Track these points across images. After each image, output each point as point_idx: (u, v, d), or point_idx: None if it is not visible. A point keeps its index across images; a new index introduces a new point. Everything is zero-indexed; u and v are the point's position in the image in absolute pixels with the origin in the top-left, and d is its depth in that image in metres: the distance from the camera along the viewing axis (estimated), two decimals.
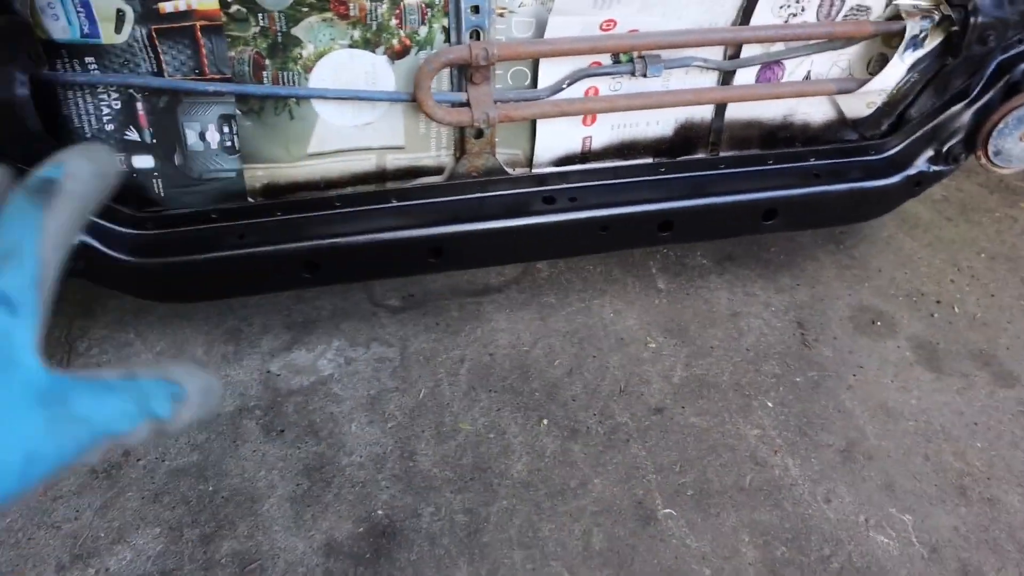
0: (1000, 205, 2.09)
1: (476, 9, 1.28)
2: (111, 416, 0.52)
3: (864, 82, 1.46)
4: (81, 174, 0.58)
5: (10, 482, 0.48)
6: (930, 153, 1.57)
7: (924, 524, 1.41)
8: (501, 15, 1.31)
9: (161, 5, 1.21)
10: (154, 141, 1.33)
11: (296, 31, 1.26)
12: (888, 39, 1.47)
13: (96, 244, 1.32)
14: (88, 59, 1.24)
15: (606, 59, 1.37)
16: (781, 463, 1.50)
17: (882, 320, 1.76)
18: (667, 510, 1.42)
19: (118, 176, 0.59)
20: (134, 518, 1.40)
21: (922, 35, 1.43)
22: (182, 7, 1.22)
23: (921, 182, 1.58)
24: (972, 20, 1.42)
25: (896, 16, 1.43)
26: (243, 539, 1.37)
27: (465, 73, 1.32)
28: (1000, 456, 1.52)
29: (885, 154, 1.56)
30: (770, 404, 1.59)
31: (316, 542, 1.37)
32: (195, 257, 1.35)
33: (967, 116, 1.54)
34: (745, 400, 1.59)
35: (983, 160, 1.55)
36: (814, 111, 1.54)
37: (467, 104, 1.31)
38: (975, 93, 1.52)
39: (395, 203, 1.40)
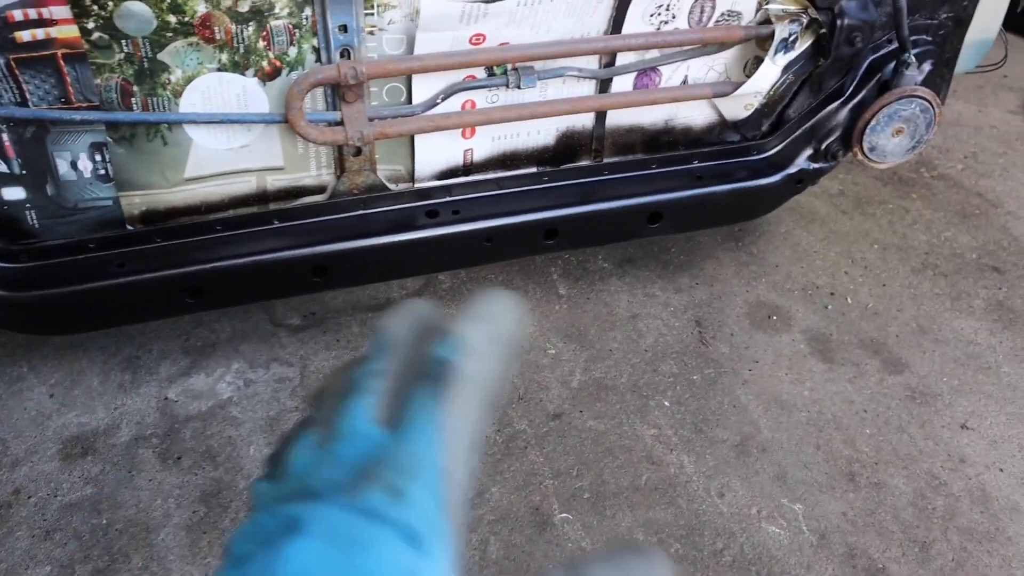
0: (893, 197, 2.15)
1: (344, 28, 1.28)
2: None
3: (739, 85, 1.49)
4: (479, 346, 0.48)
5: None
6: (809, 151, 1.61)
7: (814, 512, 1.45)
8: (371, 33, 1.31)
9: (17, 34, 1.19)
10: (24, 172, 1.30)
11: (162, 56, 1.25)
12: (761, 43, 1.51)
13: None
14: None
15: (480, 72, 1.39)
16: (676, 461, 1.52)
17: (778, 314, 1.80)
18: (563, 515, 1.44)
19: (519, 330, 0.50)
20: (23, 558, 1.37)
21: (792, 38, 1.47)
22: (40, 35, 1.20)
23: (803, 180, 1.62)
24: (839, 23, 1.46)
25: (766, 20, 1.47)
26: (138, 571, 1.36)
27: (338, 92, 1.32)
28: (888, 441, 1.56)
29: (766, 154, 1.60)
30: (667, 403, 1.62)
31: (212, 569, 1.36)
32: (73, 288, 1.33)
33: (843, 114, 1.58)
34: (643, 401, 1.62)
35: (860, 156, 1.59)
36: (695, 115, 1.58)
37: (341, 123, 1.31)
38: (849, 92, 1.57)
39: (277, 224, 1.40)
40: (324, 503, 0.44)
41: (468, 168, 1.48)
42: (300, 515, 0.44)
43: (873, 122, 1.55)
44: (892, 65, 1.56)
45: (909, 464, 1.53)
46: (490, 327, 0.49)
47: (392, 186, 1.45)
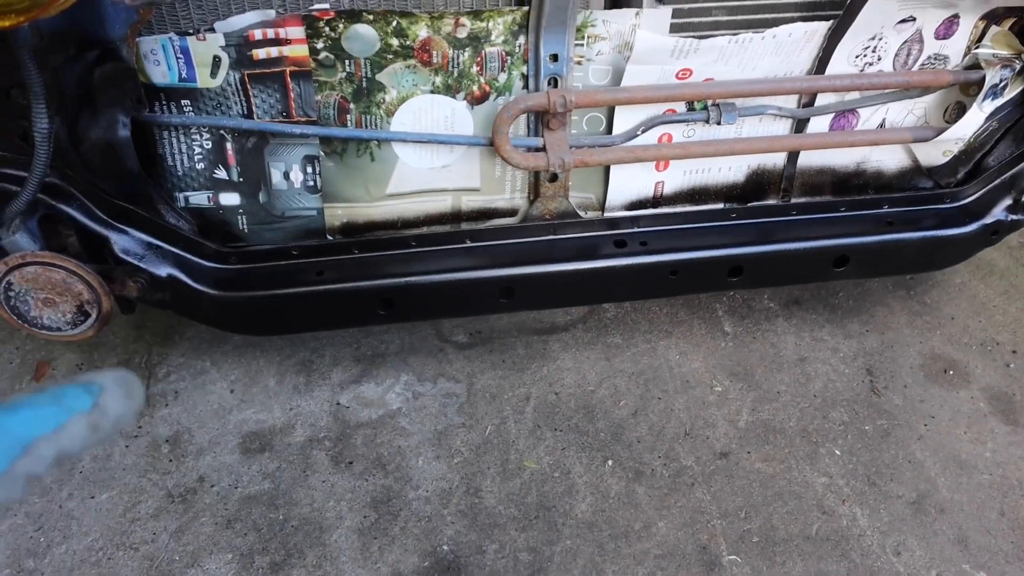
0: None
1: (555, 57, 1.31)
2: (30, 422, 0.57)
3: (941, 131, 1.45)
4: (113, 406, 0.64)
5: None
6: (1008, 202, 1.55)
7: None
8: (579, 63, 1.34)
9: (255, 52, 1.26)
10: (241, 179, 1.38)
11: (380, 77, 1.31)
12: (966, 87, 1.46)
13: (182, 277, 1.37)
14: (184, 102, 1.31)
15: (681, 106, 1.39)
16: (849, 513, 1.48)
17: (955, 369, 1.73)
18: (732, 556, 1.41)
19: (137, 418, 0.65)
20: (207, 543, 1.44)
21: (1002, 84, 1.42)
22: (274, 54, 1.27)
23: (998, 231, 1.56)
24: None
25: (975, 65, 1.43)
26: (312, 568, 1.40)
27: (542, 119, 1.35)
28: None
29: (961, 202, 1.55)
30: (838, 452, 1.57)
31: (382, 574, 1.39)
32: (276, 292, 1.40)
33: None
34: (812, 447, 1.58)
35: None
36: (888, 158, 1.54)
37: (543, 149, 1.34)
38: None
39: (469, 244, 1.43)
40: None
41: (657, 200, 1.49)
42: None
43: None
44: None
45: None
46: (128, 398, 0.64)
47: (582, 213, 1.47)
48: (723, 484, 1.52)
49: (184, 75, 1.28)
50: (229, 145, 1.36)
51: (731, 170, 1.49)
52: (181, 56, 1.26)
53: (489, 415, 1.64)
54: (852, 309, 1.85)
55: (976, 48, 1.42)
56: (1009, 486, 1.51)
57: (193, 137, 1.35)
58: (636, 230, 1.46)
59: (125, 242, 1.35)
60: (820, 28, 1.33)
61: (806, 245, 1.48)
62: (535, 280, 1.43)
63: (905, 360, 1.75)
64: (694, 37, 1.30)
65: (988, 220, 1.55)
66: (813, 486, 1.52)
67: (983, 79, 1.41)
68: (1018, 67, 1.41)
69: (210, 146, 1.35)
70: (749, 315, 1.84)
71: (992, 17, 1.40)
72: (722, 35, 1.31)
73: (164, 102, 1.30)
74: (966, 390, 1.69)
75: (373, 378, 1.72)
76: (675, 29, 1.33)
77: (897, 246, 1.52)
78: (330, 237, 1.45)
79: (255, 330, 1.54)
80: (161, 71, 1.27)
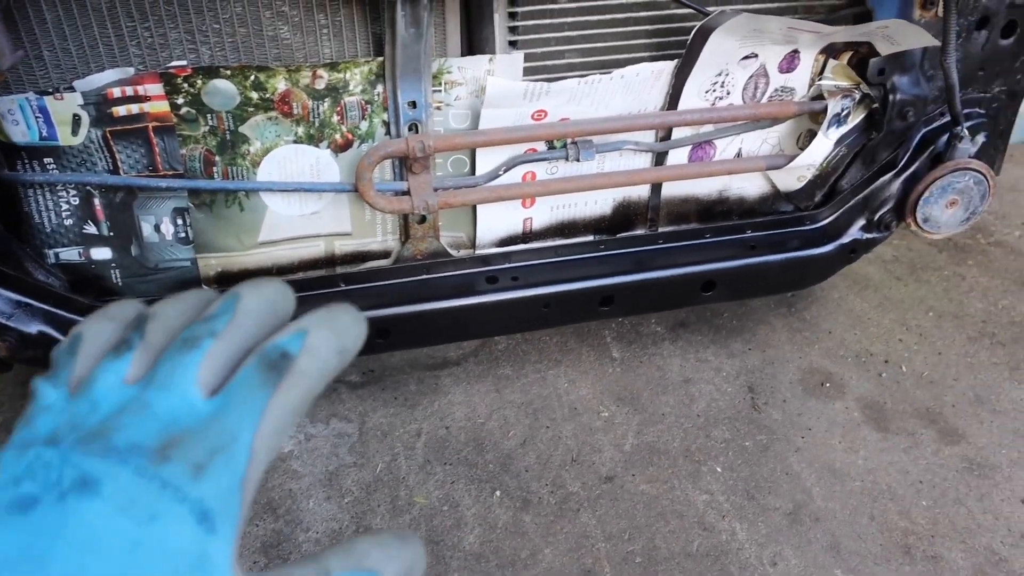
0: (948, 263, 2.15)
1: (413, 104, 1.35)
2: None
3: (792, 158, 1.53)
4: (322, 350, 0.50)
5: None
6: (862, 222, 1.63)
7: None
8: (438, 108, 1.39)
9: (115, 109, 1.28)
10: (111, 234, 1.39)
11: (243, 129, 1.34)
12: (814, 117, 1.54)
13: (53, 333, 1.37)
14: (47, 159, 1.32)
15: (541, 145, 1.45)
16: (728, 528, 1.53)
17: (831, 382, 1.81)
18: None
19: (358, 348, 0.52)
20: None
21: (844, 113, 1.51)
22: (135, 110, 1.29)
23: (856, 249, 1.64)
24: (891, 98, 1.50)
25: (819, 96, 1.51)
26: None
27: (405, 163, 1.39)
28: (944, 513, 1.55)
29: (819, 224, 1.63)
30: (719, 469, 1.63)
31: None
32: None
33: (895, 186, 1.61)
34: (695, 466, 1.63)
35: (913, 227, 1.61)
36: (749, 185, 1.61)
37: (408, 193, 1.38)
38: (902, 164, 1.59)
39: (343, 287, 1.46)
40: (123, 464, 0.44)
41: (527, 236, 1.54)
42: (96, 472, 0.44)
43: (926, 194, 1.57)
44: (945, 138, 1.58)
45: (967, 538, 1.51)
46: (335, 336, 0.51)
47: (454, 252, 1.51)
48: (608, 507, 1.56)
49: (44, 133, 1.29)
50: (97, 200, 1.37)
51: (598, 203, 1.54)
52: (40, 115, 1.27)
53: (380, 453, 1.66)
54: (736, 329, 1.93)
55: (819, 80, 1.50)
56: (879, 491, 1.58)
57: (59, 194, 1.35)
58: (507, 266, 1.50)
59: None
60: (666, 67, 1.40)
61: (673, 272, 1.54)
62: (410, 319, 1.46)
63: (785, 375, 1.82)
64: (544, 80, 1.36)
65: (845, 240, 1.63)
66: (695, 504, 1.57)
67: (826, 108, 1.49)
68: (858, 96, 1.50)
69: (77, 202, 1.36)
70: (637, 340, 1.90)
71: (830, 51, 1.49)
72: (572, 77, 1.37)
73: (26, 160, 1.31)
74: (841, 401, 1.77)
75: None
76: (529, 72, 1.39)
77: (761, 269, 1.59)
78: (205, 287, 1.46)
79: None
80: (21, 130, 1.28)
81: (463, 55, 1.38)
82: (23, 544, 0.41)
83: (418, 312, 1.46)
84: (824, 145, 1.52)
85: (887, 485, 1.60)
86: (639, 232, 1.59)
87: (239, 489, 0.41)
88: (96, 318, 0.52)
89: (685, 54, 1.38)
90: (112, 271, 1.43)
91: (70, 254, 1.40)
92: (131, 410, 0.46)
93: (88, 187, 1.35)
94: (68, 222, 1.37)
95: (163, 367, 0.47)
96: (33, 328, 1.36)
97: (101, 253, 1.41)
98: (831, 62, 1.50)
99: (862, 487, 1.60)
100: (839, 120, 1.51)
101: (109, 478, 0.43)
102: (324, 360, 0.49)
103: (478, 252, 1.52)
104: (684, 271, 1.55)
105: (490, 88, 1.32)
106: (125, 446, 0.44)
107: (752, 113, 1.46)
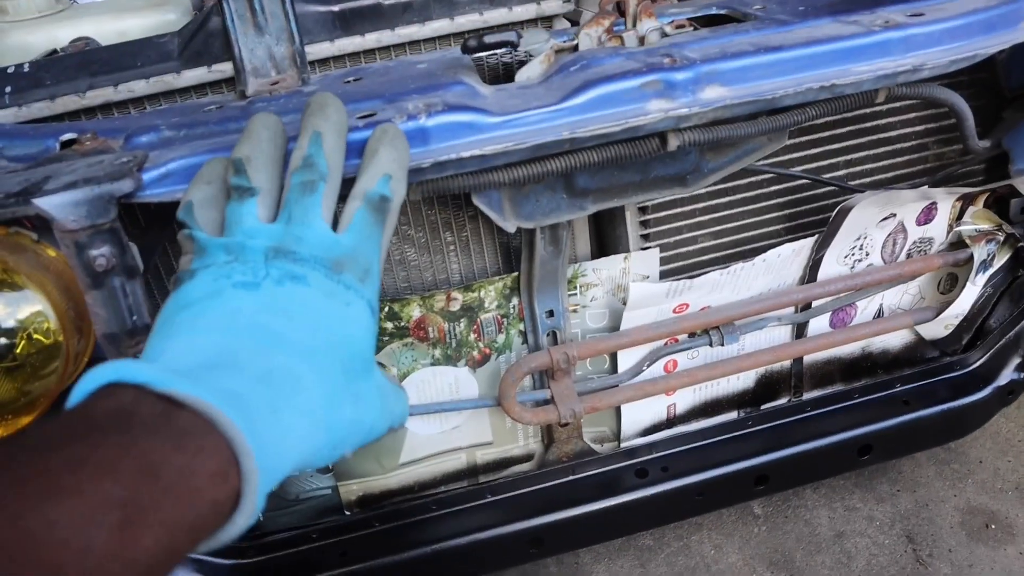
0: None
1: (551, 313, 1.30)
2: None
3: (939, 310, 1.45)
4: (401, 189, 0.74)
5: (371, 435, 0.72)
6: (1017, 360, 1.54)
7: None
8: (574, 311, 1.34)
9: None
10: None
11: (380, 358, 1.30)
12: (955, 263, 1.47)
13: None
14: None
15: (683, 335, 1.39)
16: None
17: (995, 522, 1.70)
18: None
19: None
20: None
21: (990, 257, 1.43)
22: None
23: (1014, 390, 1.55)
24: None
25: (960, 242, 1.44)
26: None
27: (547, 372, 1.33)
28: None
29: (971, 368, 1.54)
30: None
31: None
32: None
33: None
34: None
35: None
36: (891, 337, 1.53)
37: (552, 401, 1.32)
38: None
39: (490, 498, 1.40)
40: (315, 269, 0.66)
41: (672, 421, 1.47)
42: (299, 272, 0.66)
43: None
44: None
45: None
46: (405, 171, 0.75)
47: (599, 448, 1.44)
48: None
49: None
50: None
51: (739, 379, 1.47)
52: None
53: None
54: (878, 469, 1.82)
55: (958, 226, 1.43)
56: None
57: None
58: (655, 455, 1.44)
59: None
60: (806, 244, 1.34)
61: (826, 441, 1.46)
62: (561, 525, 1.39)
63: (943, 519, 1.71)
64: (685, 275, 1.31)
65: (1002, 382, 1.54)
66: None
67: (971, 256, 1.41)
68: (1001, 238, 1.43)
69: None
70: (778, 492, 1.81)
71: (967, 197, 1.42)
72: (712, 268, 1.31)
73: None
74: (1012, 545, 1.65)
75: None
76: (664, 262, 1.34)
77: (917, 424, 1.50)
78: (348, 512, 1.42)
79: None
80: None
81: (594, 256, 1.33)
82: (264, 304, 0.64)
83: (570, 517, 1.39)
84: (971, 293, 1.44)
85: None
86: (785, 402, 1.51)
87: (377, 296, 0.70)
88: (195, 185, 0.73)
89: (826, 231, 1.32)
90: None
91: None
92: (291, 239, 0.67)
93: None
94: None
95: (296, 208, 0.68)
96: None
97: None
98: (969, 208, 1.43)
99: None
100: (985, 265, 1.43)
101: (311, 276, 0.66)
102: (403, 195, 0.75)
103: (624, 445, 1.45)
104: (838, 438, 1.46)
105: (633, 292, 1.27)
106: (310, 258, 0.67)
107: (897, 273, 1.39)
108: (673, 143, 1.03)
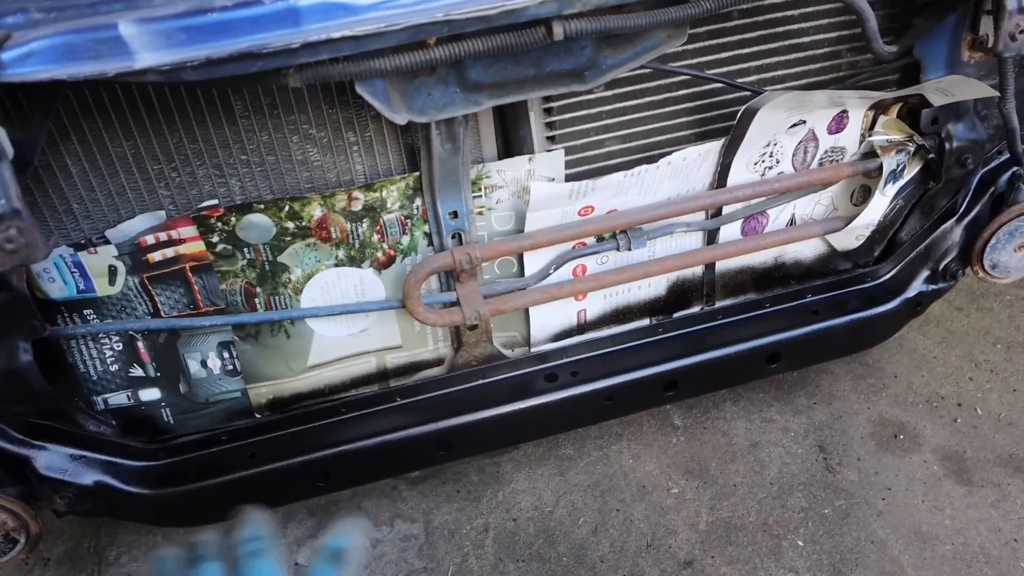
0: (1010, 287, 2.06)
1: (454, 214, 1.30)
2: None
3: (850, 219, 1.46)
4: (359, 546, 0.82)
5: None
6: (926, 273, 1.57)
7: None
8: (480, 213, 1.33)
9: (150, 256, 1.24)
10: (158, 374, 1.36)
11: (282, 259, 1.29)
12: (868, 173, 1.47)
13: (111, 482, 1.34)
14: (87, 311, 1.28)
15: (590, 238, 1.39)
16: None
17: (904, 433, 1.74)
18: None
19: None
20: None
21: (900, 168, 1.44)
22: (171, 254, 1.25)
23: (922, 303, 1.57)
24: (947, 146, 1.43)
25: (871, 152, 1.44)
26: None
27: (452, 273, 1.34)
28: None
29: (881, 280, 1.56)
30: (800, 543, 1.56)
31: None
32: (210, 482, 1.37)
33: (958, 233, 1.53)
34: (775, 541, 1.57)
35: (980, 274, 1.53)
36: (804, 247, 1.55)
37: (457, 303, 1.33)
38: (962, 209, 1.52)
39: (400, 401, 1.42)
40: None
41: (582, 327, 1.48)
42: None
43: (993, 240, 1.50)
44: (1006, 177, 1.51)
45: None
46: (363, 536, 0.86)
47: (509, 352, 1.46)
48: None
49: (82, 287, 1.26)
50: (141, 343, 1.33)
51: (651, 285, 1.49)
52: (75, 270, 1.24)
53: (449, 554, 1.61)
54: (797, 382, 1.86)
55: (870, 136, 1.43)
56: (972, 554, 1.52)
57: (103, 342, 1.32)
58: (565, 361, 1.45)
59: (46, 459, 1.31)
60: (714, 147, 1.34)
61: (736, 348, 1.49)
62: (471, 428, 1.42)
63: (855, 430, 1.75)
64: (589, 177, 1.30)
65: (910, 294, 1.56)
66: None
67: (881, 166, 1.42)
68: (912, 149, 1.43)
69: (121, 348, 1.33)
70: (697, 404, 1.83)
71: (880, 107, 1.42)
72: (617, 171, 1.31)
73: (66, 314, 1.28)
74: (918, 454, 1.70)
75: (329, 530, 1.68)
76: (571, 165, 1.33)
77: (826, 333, 1.52)
78: (258, 415, 1.43)
79: (195, 522, 1.50)
80: (58, 287, 1.25)
81: (500, 157, 1.32)
82: None
83: (479, 420, 1.41)
84: (882, 203, 1.45)
85: (979, 546, 1.53)
86: (697, 310, 1.53)
87: None
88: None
89: (732, 133, 1.32)
90: (162, 410, 1.39)
91: (119, 399, 1.37)
92: None
93: (130, 332, 1.32)
94: (114, 368, 1.34)
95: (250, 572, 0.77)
96: (90, 479, 1.33)
97: (150, 394, 1.38)
98: (881, 117, 1.43)
99: (953, 551, 1.53)
100: (895, 176, 1.44)
101: None
102: (362, 549, 0.82)
103: (533, 350, 1.47)
104: (747, 346, 1.49)
105: (534, 193, 1.27)
106: None
107: (806, 180, 1.40)
108: (558, 31, 1.01)
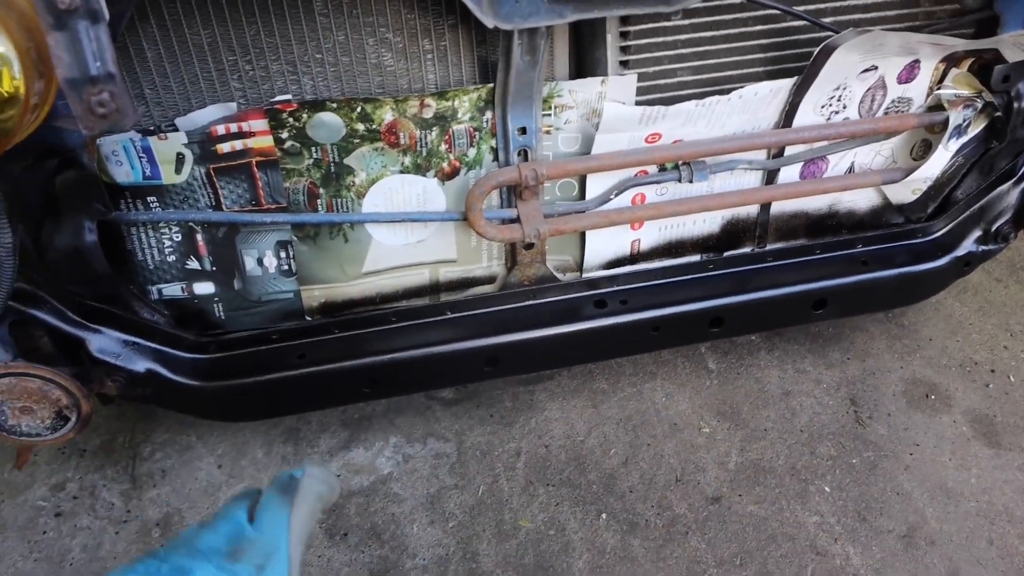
0: None
1: (523, 130, 1.30)
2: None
3: (909, 171, 1.46)
4: (318, 475, 0.83)
5: None
6: (978, 233, 1.57)
7: None
8: (548, 132, 1.33)
9: (219, 147, 1.25)
10: (214, 269, 1.37)
11: (348, 161, 1.30)
12: (931, 127, 1.47)
13: (161, 370, 1.36)
14: (150, 198, 1.29)
15: (652, 167, 1.39)
16: (842, 552, 1.49)
17: (936, 393, 1.75)
18: None
19: (337, 493, 0.87)
20: None
21: (965, 123, 1.44)
22: (239, 147, 1.25)
23: (970, 262, 1.58)
24: (1016, 105, 1.42)
25: (938, 106, 1.44)
26: None
27: (515, 190, 1.34)
28: None
29: (932, 236, 1.56)
30: (827, 489, 1.59)
31: None
32: (257, 379, 1.38)
33: (1014, 195, 1.53)
34: (802, 485, 1.59)
35: None
36: (859, 198, 1.55)
37: (517, 220, 1.34)
38: (1022, 171, 1.52)
39: (450, 315, 1.43)
40: (207, 561, 0.71)
41: (635, 257, 1.49)
42: (188, 566, 0.71)
43: None
44: None
45: None
46: (322, 470, 0.84)
47: (560, 276, 1.47)
48: (717, 531, 1.53)
49: (148, 173, 1.26)
50: (199, 236, 1.34)
51: (706, 222, 1.49)
52: (144, 156, 1.24)
53: (481, 474, 1.64)
54: (832, 337, 1.87)
55: (938, 89, 1.43)
56: (996, 512, 1.54)
57: (162, 231, 1.33)
58: (615, 289, 1.46)
59: (100, 342, 1.33)
60: (785, 84, 1.33)
61: (783, 291, 1.49)
62: (518, 347, 1.43)
63: (887, 387, 1.77)
64: (661, 104, 1.30)
65: (960, 252, 1.57)
66: (805, 526, 1.53)
67: (947, 120, 1.42)
68: (980, 105, 1.43)
69: (180, 238, 1.34)
70: (732, 350, 1.85)
71: (952, 60, 1.41)
72: (688, 100, 1.31)
73: (130, 200, 1.29)
74: (948, 415, 1.71)
75: (362, 443, 1.71)
76: (642, 92, 1.33)
77: (873, 285, 1.53)
78: (309, 318, 1.44)
79: (240, 417, 1.53)
80: (124, 171, 1.25)
81: (572, 77, 1.32)
82: None
83: (527, 339, 1.42)
84: (943, 157, 1.45)
85: (1004, 506, 1.55)
86: (748, 250, 1.53)
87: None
88: None
89: (806, 71, 1.31)
90: (215, 305, 1.41)
91: (173, 290, 1.38)
92: (205, 529, 0.76)
93: (191, 223, 1.32)
94: (171, 258, 1.35)
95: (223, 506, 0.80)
96: (141, 366, 1.35)
97: (204, 288, 1.39)
98: (952, 71, 1.43)
99: (977, 508, 1.55)
100: (959, 131, 1.44)
101: (199, 569, 0.70)
102: (320, 482, 0.83)
103: (585, 276, 1.48)
104: (795, 290, 1.49)
105: (606, 113, 1.27)
106: (207, 550, 0.73)
107: (871, 128, 1.39)
108: None
